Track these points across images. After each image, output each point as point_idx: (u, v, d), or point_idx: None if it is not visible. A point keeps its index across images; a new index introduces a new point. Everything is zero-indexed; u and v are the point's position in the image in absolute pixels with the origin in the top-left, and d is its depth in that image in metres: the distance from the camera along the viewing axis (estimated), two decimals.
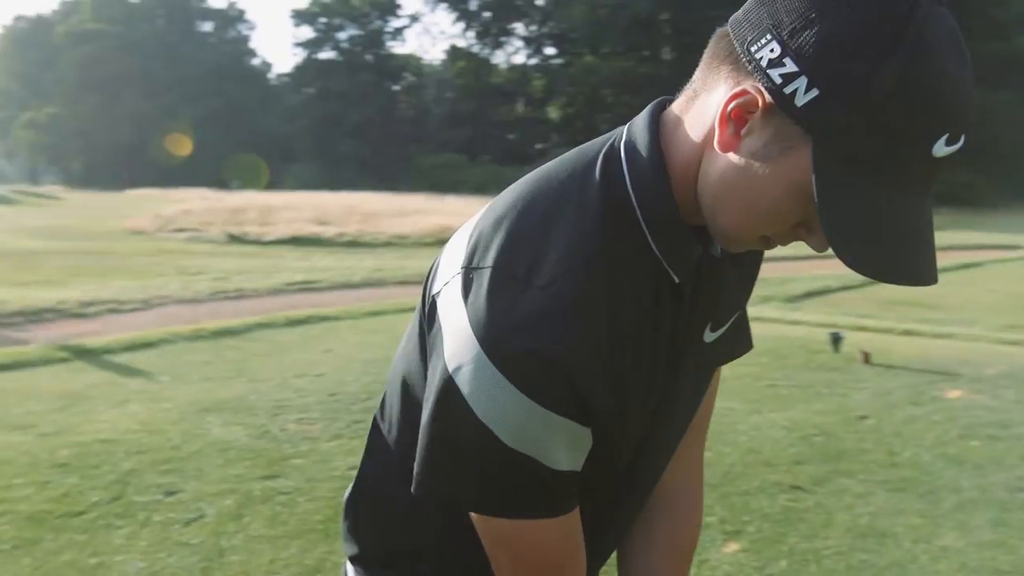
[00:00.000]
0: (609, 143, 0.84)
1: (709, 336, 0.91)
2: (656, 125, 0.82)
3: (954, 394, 5.17)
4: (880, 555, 3.00)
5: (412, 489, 0.84)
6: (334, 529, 3.19)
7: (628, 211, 0.80)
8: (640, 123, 0.83)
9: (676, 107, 0.82)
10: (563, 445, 0.78)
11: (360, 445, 3.92)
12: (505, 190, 0.88)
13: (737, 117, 0.72)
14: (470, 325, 0.76)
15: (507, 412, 0.75)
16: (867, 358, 6.01)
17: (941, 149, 0.67)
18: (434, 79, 67.49)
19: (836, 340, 6.24)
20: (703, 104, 0.77)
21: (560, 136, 61.64)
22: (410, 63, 67.83)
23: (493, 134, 62.41)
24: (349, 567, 1.07)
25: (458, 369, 0.76)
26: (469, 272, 0.79)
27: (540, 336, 0.74)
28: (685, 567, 1.11)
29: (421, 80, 67.53)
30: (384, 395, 1.02)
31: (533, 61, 67.09)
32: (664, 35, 58.85)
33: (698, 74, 0.80)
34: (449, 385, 0.77)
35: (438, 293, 0.84)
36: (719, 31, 0.77)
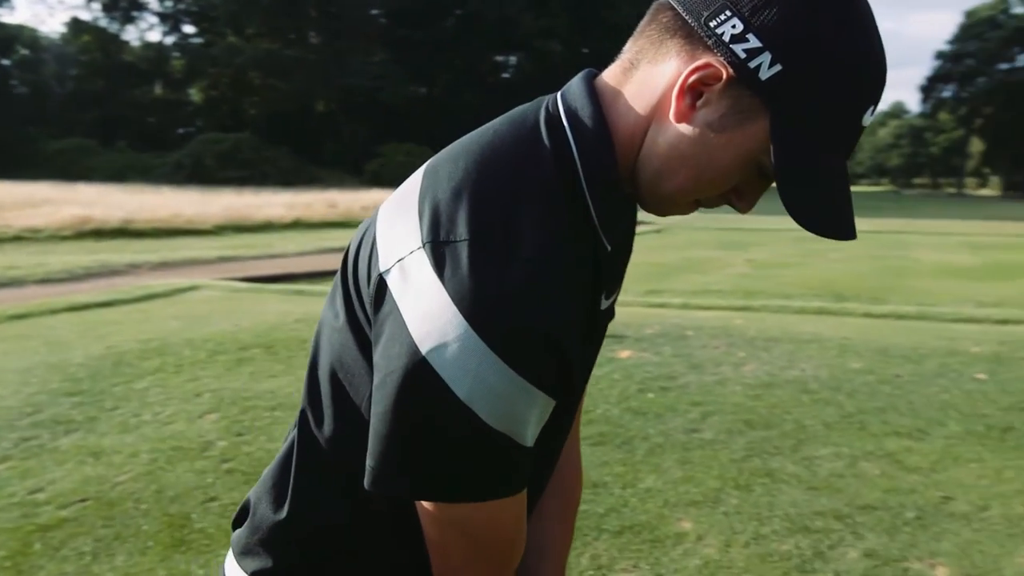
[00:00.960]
0: (542, 111, 0.82)
1: (604, 303, 0.92)
2: (596, 96, 0.81)
3: (625, 354, 5.74)
4: (598, 504, 3.26)
5: (367, 485, 0.77)
6: (26, 563, 2.77)
7: (576, 182, 0.79)
8: (578, 93, 0.82)
9: (610, 78, 0.82)
10: (535, 420, 0.75)
11: (37, 464, 3.44)
12: (439, 159, 0.83)
13: (694, 89, 0.74)
14: (453, 301, 0.70)
15: (493, 390, 0.71)
16: None
17: (867, 118, 0.75)
18: (54, 54, 60.31)
19: None
20: (647, 76, 0.78)
21: (205, 120, 58.51)
22: (23, 35, 59.91)
23: (128, 117, 57.46)
24: None
25: (436, 348, 0.70)
26: (439, 246, 0.73)
27: (534, 310, 0.71)
28: (572, 530, 1.14)
29: (38, 55, 59.98)
30: (307, 393, 0.91)
31: (171, 39, 62.77)
32: (310, 18, 58.05)
33: (633, 46, 0.80)
34: (421, 367, 0.71)
35: (387, 272, 0.76)
36: (657, 4, 0.78)
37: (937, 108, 70.72)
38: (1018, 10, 62.01)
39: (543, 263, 0.73)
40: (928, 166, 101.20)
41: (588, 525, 3.06)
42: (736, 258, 14.11)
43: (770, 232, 20.23)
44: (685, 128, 0.76)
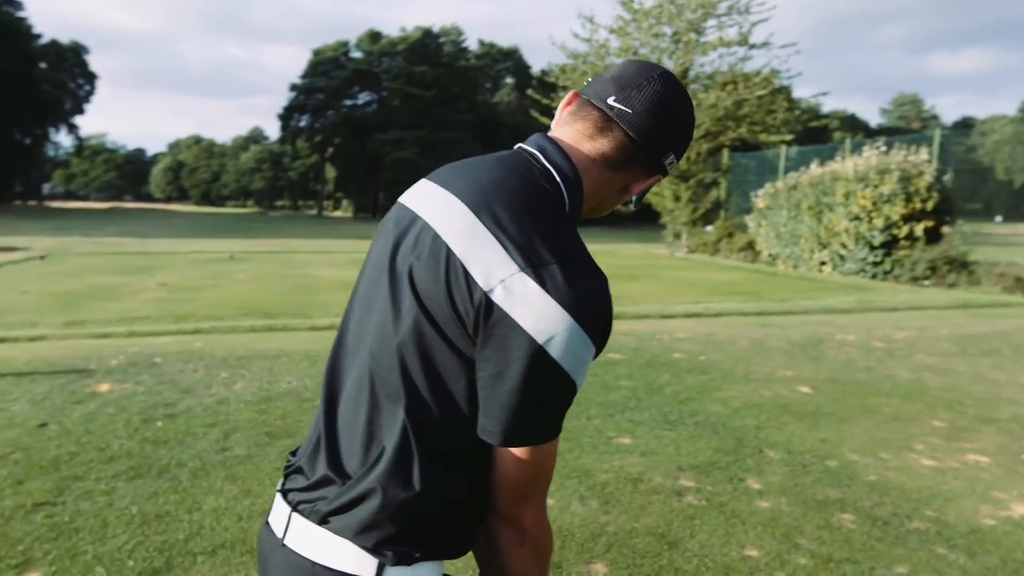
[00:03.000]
0: (534, 165, 1.21)
1: None
2: (572, 161, 1.22)
3: (104, 387, 5.44)
4: (174, 532, 3.24)
5: (498, 443, 1.09)
6: None
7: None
8: (557, 156, 1.22)
9: (577, 153, 1.23)
10: None
11: None
12: (480, 201, 1.15)
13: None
14: (561, 306, 1.04)
15: (584, 361, 1.08)
16: None
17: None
18: None
19: None
20: (612, 177, 1.25)
21: None
22: None
23: None
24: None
25: (551, 339, 1.04)
26: (538, 270, 1.06)
27: (606, 304, 1.11)
28: None
29: None
30: (406, 392, 1.12)
31: None
32: None
33: (596, 143, 1.23)
34: (540, 353, 1.04)
35: (491, 291, 1.05)
36: (605, 118, 1.22)
37: (294, 136, 76.18)
38: (356, 55, 70.75)
39: (597, 272, 1.13)
40: (288, 189, 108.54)
41: (178, 552, 3.05)
42: (146, 283, 13.66)
43: (169, 255, 20.00)
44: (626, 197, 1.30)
